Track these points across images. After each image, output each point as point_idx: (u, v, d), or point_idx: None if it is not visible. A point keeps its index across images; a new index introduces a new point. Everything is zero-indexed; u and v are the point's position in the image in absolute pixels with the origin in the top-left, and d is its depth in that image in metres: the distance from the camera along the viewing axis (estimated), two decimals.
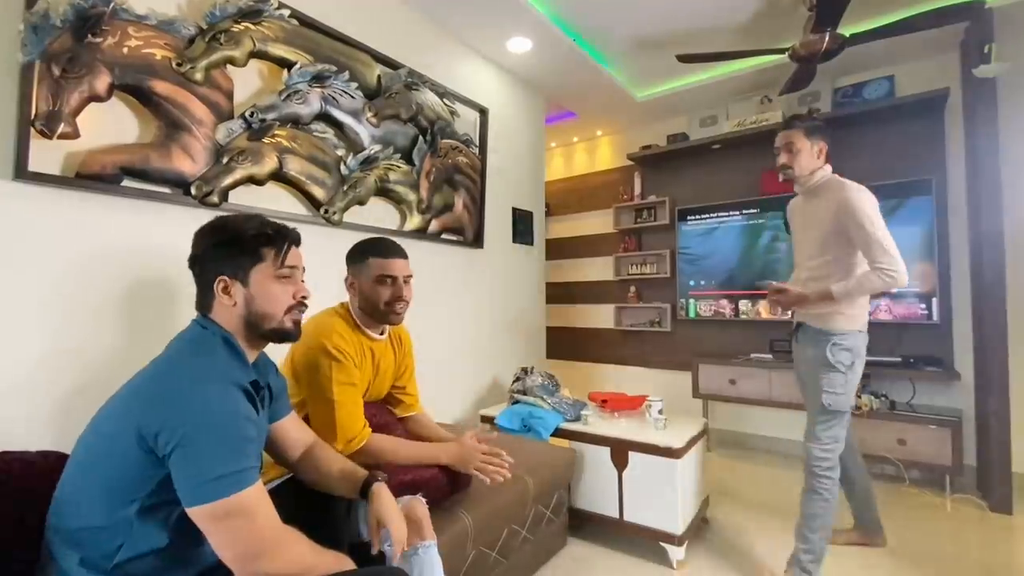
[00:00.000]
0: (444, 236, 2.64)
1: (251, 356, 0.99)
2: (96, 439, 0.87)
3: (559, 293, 4.55)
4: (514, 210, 3.24)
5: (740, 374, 3.26)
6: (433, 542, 1.21)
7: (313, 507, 1.14)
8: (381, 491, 1.07)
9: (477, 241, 2.85)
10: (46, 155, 1.33)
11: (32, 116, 1.29)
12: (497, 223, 3.07)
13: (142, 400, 0.83)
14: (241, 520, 0.79)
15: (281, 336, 0.99)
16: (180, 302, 1.60)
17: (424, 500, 1.29)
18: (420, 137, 2.44)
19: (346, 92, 2.05)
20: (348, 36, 2.09)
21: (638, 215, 4.08)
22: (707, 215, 3.68)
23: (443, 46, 2.71)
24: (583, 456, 2.11)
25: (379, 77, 2.24)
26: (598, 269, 4.40)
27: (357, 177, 2.11)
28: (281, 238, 0.99)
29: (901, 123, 3.07)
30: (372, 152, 2.16)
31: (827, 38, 2.33)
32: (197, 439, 0.78)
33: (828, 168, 1.89)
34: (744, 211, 3.52)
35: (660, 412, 2.16)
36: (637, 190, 4.10)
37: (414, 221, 2.44)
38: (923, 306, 2.87)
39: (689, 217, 3.76)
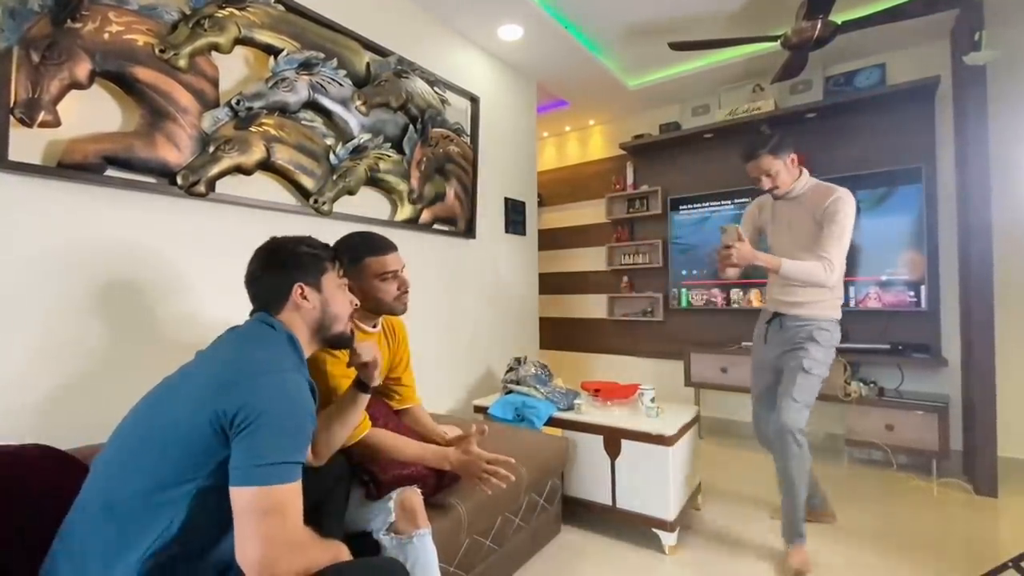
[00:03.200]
0: (436, 226, 2.62)
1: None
2: (161, 421, 0.86)
3: (552, 283, 4.55)
4: (506, 200, 3.23)
5: (731, 362, 3.29)
6: (428, 530, 1.22)
7: (313, 494, 1.14)
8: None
9: (469, 231, 2.83)
10: (26, 144, 1.30)
11: (11, 104, 1.26)
12: (489, 213, 3.05)
13: (219, 385, 0.84)
14: (275, 519, 0.79)
15: (342, 342, 1.11)
16: (165, 293, 1.58)
17: (419, 490, 1.29)
18: (411, 126, 2.41)
19: (334, 80, 2.02)
20: (335, 23, 2.05)
21: (631, 205, 4.08)
22: (699, 204, 3.69)
23: (433, 33, 2.67)
24: (576, 445, 2.13)
25: (368, 65, 2.21)
26: (591, 259, 4.40)
27: (347, 166, 2.09)
28: (337, 255, 1.13)
29: (892, 111, 3.08)
30: (362, 141, 2.13)
31: (819, 25, 2.32)
32: (270, 421, 0.81)
33: (806, 172, 1.96)
34: (736, 200, 3.53)
35: (652, 400, 2.18)
36: (630, 180, 4.10)
37: (405, 211, 2.42)
38: (912, 294, 2.90)
39: (681, 207, 3.76)
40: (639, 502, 1.99)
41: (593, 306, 4.38)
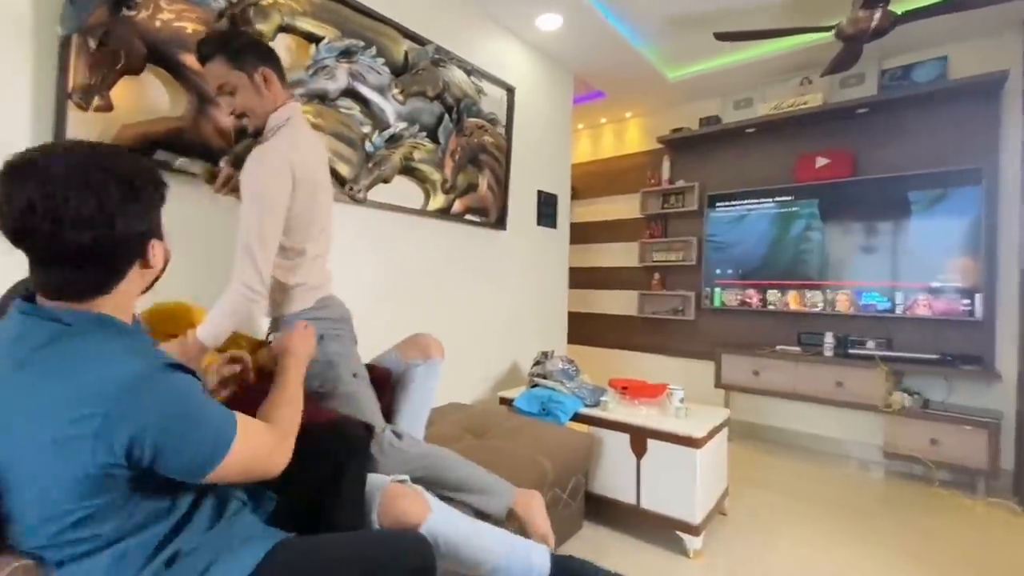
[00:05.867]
0: (467, 217, 2.62)
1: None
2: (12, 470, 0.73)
3: (581, 278, 4.51)
4: (539, 192, 3.20)
5: (764, 365, 3.19)
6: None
7: (314, 485, 1.04)
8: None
9: (500, 223, 2.82)
10: (82, 128, 1.35)
11: (69, 89, 1.32)
12: (521, 205, 3.04)
13: (89, 423, 0.68)
14: (253, 459, 0.83)
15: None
16: (212, 273, 1.63)
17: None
18: (446, 115, 2.41)
19: (373, 68, 2.04)
20: (375, 11, 2.06)
21: (665, 200, 3.99)
22: (738, 201, 3.58)
23: (471, 22, 2.65)
24: (601, 442, 2.11)
25: (406, 53, 2.21)
26: (622, 255, 4.33)
27: (382, 155, 2.10)
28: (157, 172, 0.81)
29: (952, 107, 2.90)
30: (397, 129, 2.15)
31: (878, 15, 2.20)
32: (173, 434, 0.72)
33: (293, 105, 1.34)
34: (777, 198, 3.40)
35: (681, 401, 2.13)
36: (666, 175, 4.00)
37: (438, 201, 2.43)
38: (965, 302, 2.74)
39: (718, 203, 3.65)
40: (664, 503, 1.96)
41: (622, 302, 4.32)
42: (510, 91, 2.84)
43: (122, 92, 1.41)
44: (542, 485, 1.71)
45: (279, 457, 0.88)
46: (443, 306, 2.54)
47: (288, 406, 0.97)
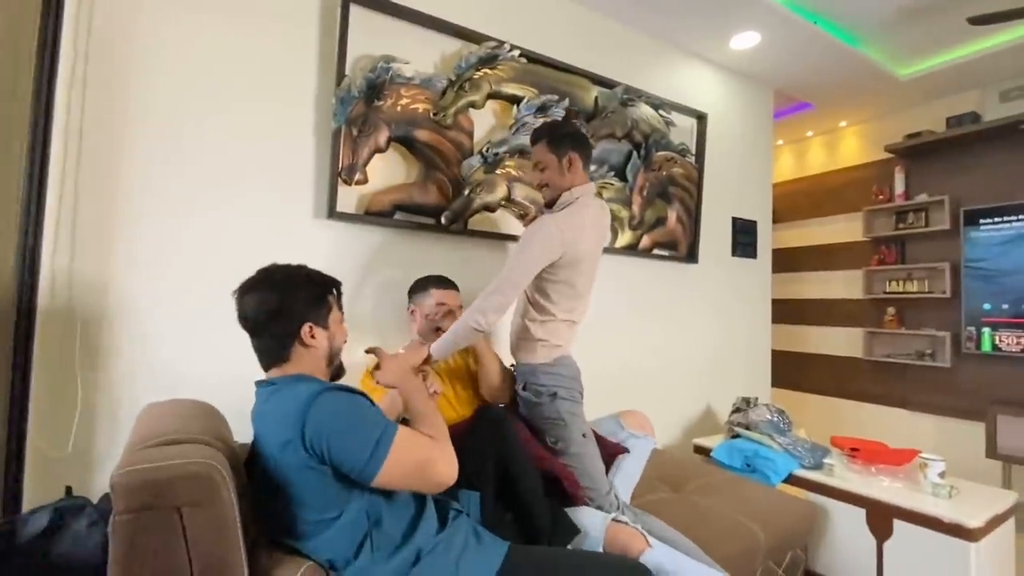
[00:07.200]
0: (655, 251, 2.54)
1: None
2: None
3: (787, 311, 3.97)
4: (734, 220, 2.95)
5: None
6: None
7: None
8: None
9: (691, 256, 2.67)
10: (347, 198, 1.70)
11: (339, 169, 1.67)
12: (714, 235, 2.83)
13: (287, 431, 0.95)
14: (415, 466, 0.94)
15: (340, 374, 1.12)
16: None
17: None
18: (634, 152, 2.40)
19: None
20: (569, 64, 2.18)
21: (901, 219, 3.32)
22: (1013, 216, 2.79)
23: (660, 56, 2.63)
24: (826, 513, 1.79)
25: (596, 98, 2.28)
26: (839, 285, 3.72)
27: None
28: (336, 285, 1.12)
29: None
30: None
31: None
32: (339, 430, 0.92)
33: (587, 187, 1.56)
34: None
35: (941, 475, 1.70)
36: (899, 188, 3.34)
37: (625, 238, 2.41)
38: None
39: (983, 220, 2.90)
40: None
41: (842, 341, 3.68)
42: (701, 118, 2.71)
43: (373, 167, 1.74)
44: (753, 556, 1.52)
45: (442, 464, 0.96)
46: (632, 343, 2.49)
47: (429, 420, 1.03)
